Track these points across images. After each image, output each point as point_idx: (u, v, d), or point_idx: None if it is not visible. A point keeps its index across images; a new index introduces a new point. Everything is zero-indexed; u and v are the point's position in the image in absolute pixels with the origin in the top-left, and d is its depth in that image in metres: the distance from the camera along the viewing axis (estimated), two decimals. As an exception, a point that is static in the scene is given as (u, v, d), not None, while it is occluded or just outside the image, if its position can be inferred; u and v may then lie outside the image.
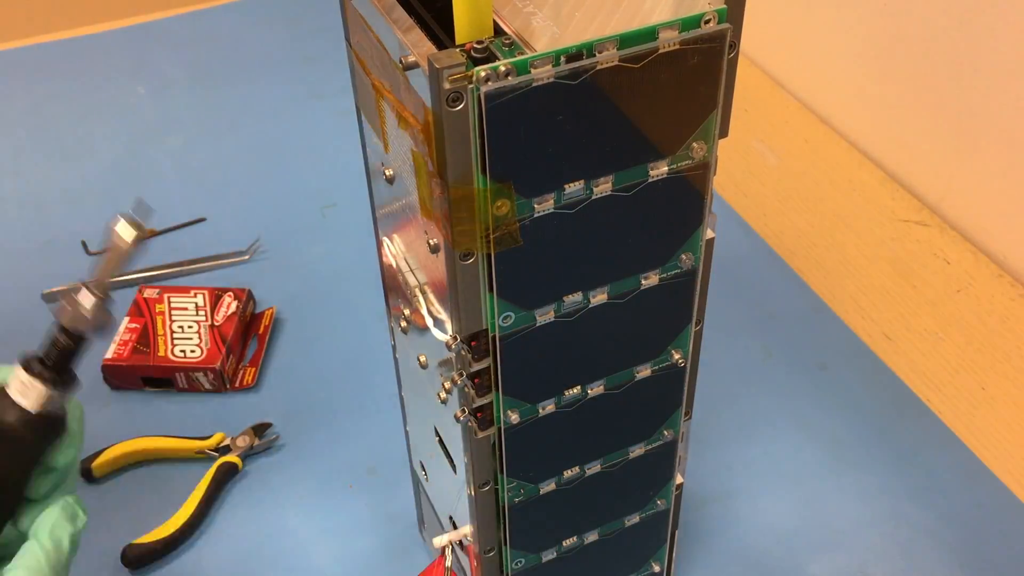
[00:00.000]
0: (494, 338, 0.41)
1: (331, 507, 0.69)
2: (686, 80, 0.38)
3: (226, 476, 0.70)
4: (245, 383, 0.77)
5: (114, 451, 0.71)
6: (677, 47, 0.37)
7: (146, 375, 0.76)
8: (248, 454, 0.72)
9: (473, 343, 0.41)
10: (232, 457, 0.71)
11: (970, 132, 0.87)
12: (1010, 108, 0.82)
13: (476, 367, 0.42)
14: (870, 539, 0.67)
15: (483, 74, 0.35)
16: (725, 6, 0.38)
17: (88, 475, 0.70)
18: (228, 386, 0.76)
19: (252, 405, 0.76)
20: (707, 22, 0.38)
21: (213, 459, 0.71)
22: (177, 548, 0.67)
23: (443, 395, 0.46)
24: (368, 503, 0.69)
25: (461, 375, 0.43)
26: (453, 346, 0.41)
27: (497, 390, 0.43)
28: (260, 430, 0.73)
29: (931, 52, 0.88)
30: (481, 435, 0.44)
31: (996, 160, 0.85)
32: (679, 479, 0.53)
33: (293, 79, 1.10)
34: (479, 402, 0.43)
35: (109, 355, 0.76)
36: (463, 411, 0.44)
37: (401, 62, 0.38)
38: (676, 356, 0.47)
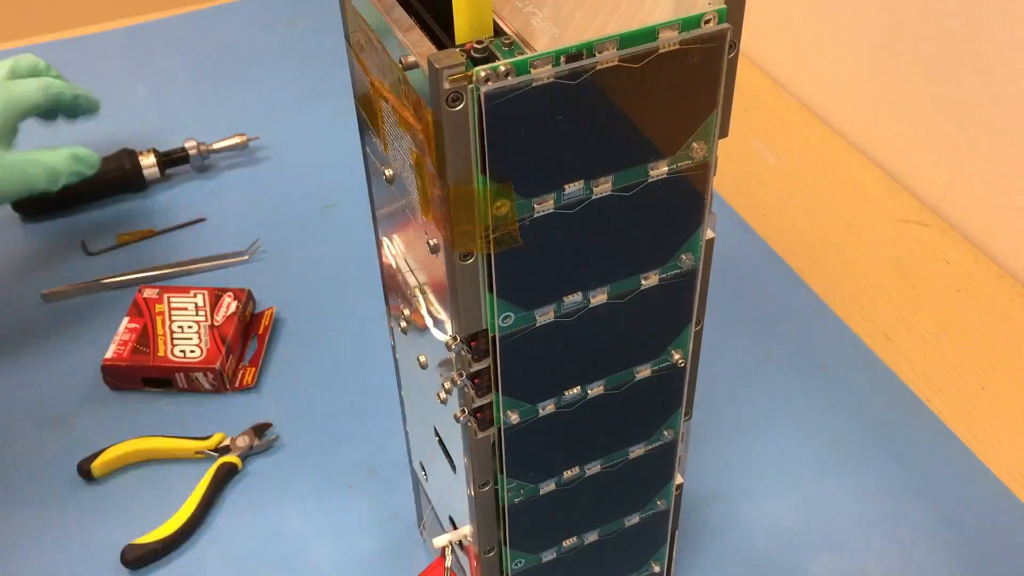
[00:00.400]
0: (494, 338, 0.41)
1: (331, 507, 0.69)
2: (686, 80, 0.38)
3: (226, 476, 0.70)
4: (245, 383, 0.77)
5: (114, 451, 0.71)
6: (677, 47, 0.37)
7: (146, 375, 0.76)
8: (248, 454, 0.72)
9: (473, 343, 0.41)
10: (232, 457, 0.71)
11: (970, 131, 0.87)
12: (1010, 107, 0.82)
13: (476, 367, 0.42)
14: (870, 539, 0.67)
15: (483, 74, 0.35)
16: (725, 6, 0.38)
17: (88, 475, 0.70)
18: (228, 386, 0.76)
19: (252, 405, 0.76)
20: (707, 22, 0.38)
21: (213, 459, 0.71)
22: (177, 548, 0.67)
23: (443, 395, 0.46)
24: (368, 503, 0.69)
25: (461, 375, 0.43)
26: (453, 346, 0.41)
27: (497, 390, 0.43)
28: (260, 430, 0.73)
29: (931, 51, 0.88)
30: (481, 435, 0.44)
31: (996, 160, 0.85)
32: (679, 479, 0.53)
33: (293, 79, 1.10)
34: (479, 402, 0.43)
35: (109, 355, 0.76)
36: (463, 411, 0.44)
37: (401, 62, 0.38)
38: (676, 356, 0.47)
